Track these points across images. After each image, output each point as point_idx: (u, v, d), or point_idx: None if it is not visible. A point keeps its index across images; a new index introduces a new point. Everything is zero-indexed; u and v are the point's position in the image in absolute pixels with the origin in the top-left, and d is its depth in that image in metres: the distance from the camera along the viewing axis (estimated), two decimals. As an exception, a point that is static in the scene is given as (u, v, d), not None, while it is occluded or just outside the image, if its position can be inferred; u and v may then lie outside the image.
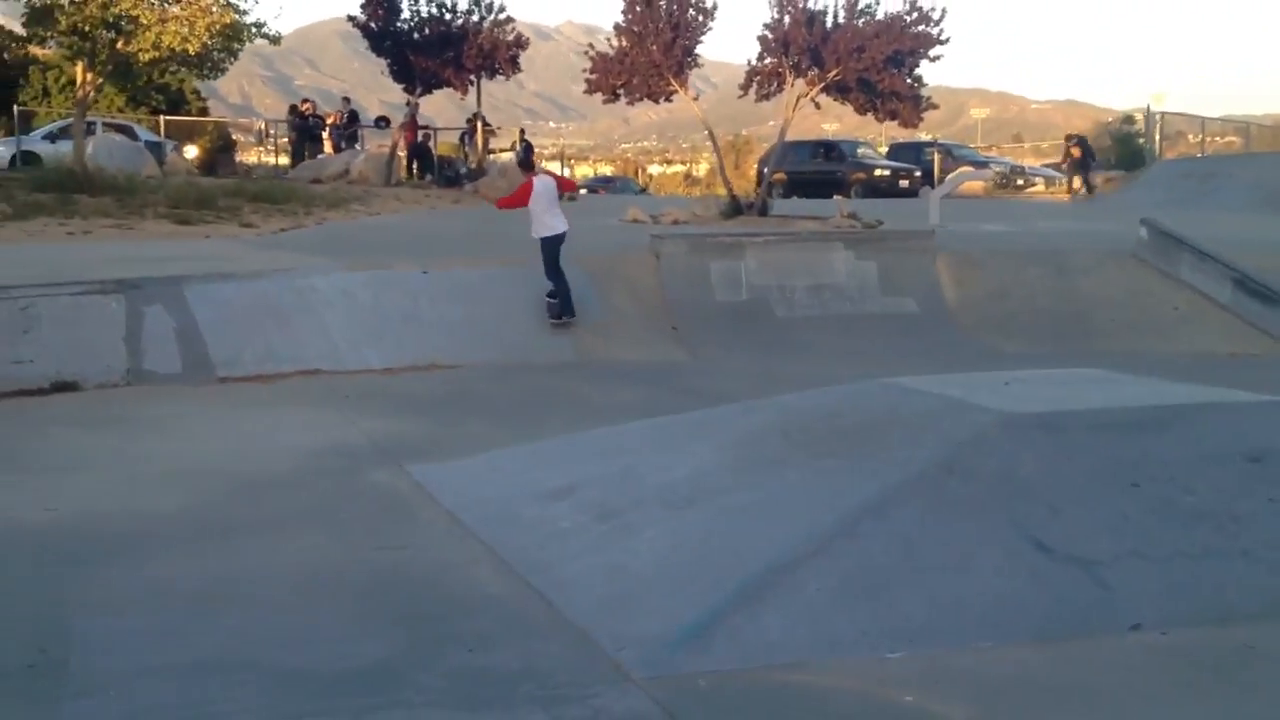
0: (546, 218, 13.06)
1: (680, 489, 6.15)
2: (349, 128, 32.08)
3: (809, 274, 14.64)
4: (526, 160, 16.10)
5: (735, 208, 20.73)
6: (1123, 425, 5.87)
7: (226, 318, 11.66)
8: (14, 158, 27.91)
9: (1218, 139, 39.65)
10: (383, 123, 33.37)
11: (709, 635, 4.63)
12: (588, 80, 22.73)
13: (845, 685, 4.39)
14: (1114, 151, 38.54)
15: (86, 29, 20.29)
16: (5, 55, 39.12)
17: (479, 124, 30.21)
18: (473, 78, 27.92)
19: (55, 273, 11.87)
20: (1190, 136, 40.37)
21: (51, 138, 29.22)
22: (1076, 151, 31.14)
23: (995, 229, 19.19)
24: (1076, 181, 30.67)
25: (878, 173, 32.62)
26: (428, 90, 28.22)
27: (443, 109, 29.35)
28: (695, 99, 22.01)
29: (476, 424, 9.34)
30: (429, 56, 26.81)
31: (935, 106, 21.98)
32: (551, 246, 13.00)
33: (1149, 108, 34.62)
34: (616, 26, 21.84)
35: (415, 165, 30.55)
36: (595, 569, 5.47)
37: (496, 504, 6.71)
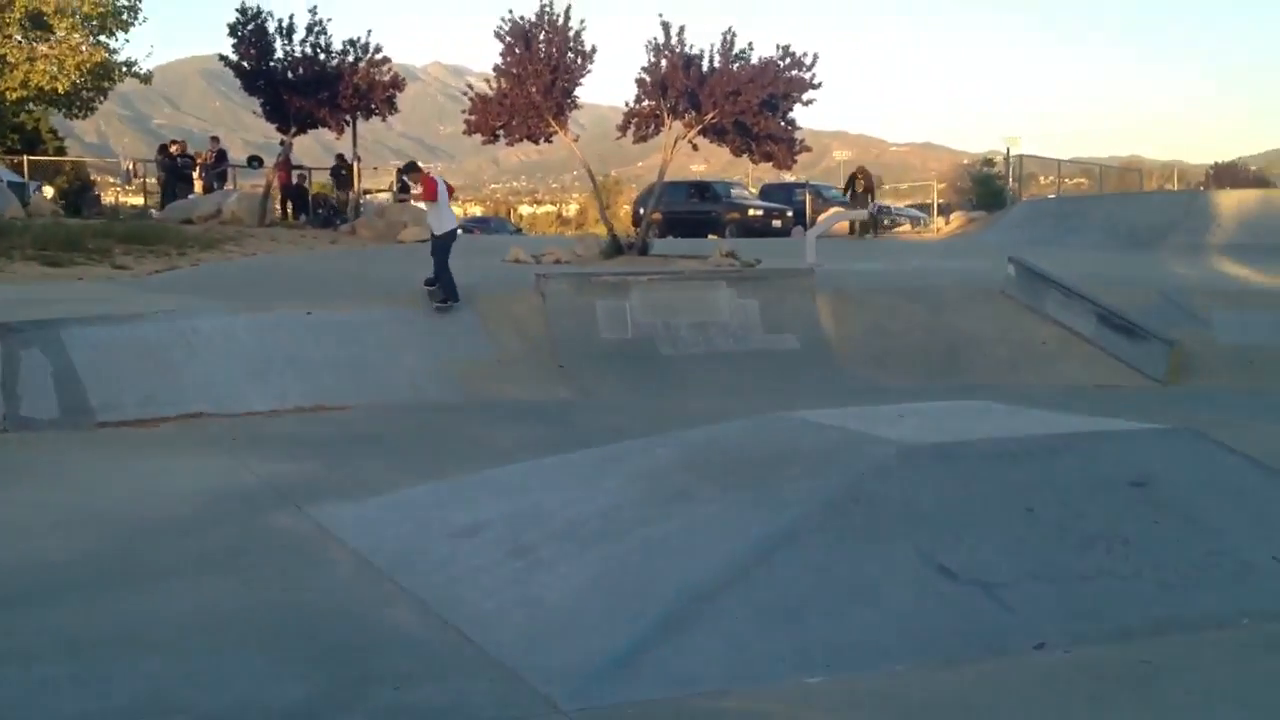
0: (445, 213, 14.69)
1: (591, 523, 6.23)
2: (218, 167, 31.55)
3: (693, 312, 14.87)
4: (413, 165, 16.64)
5: (616, 247, 20.95)
6: (1015, 454, 6.14)
7: (105, 361, 11.38)
8: None
9: (1067, 180, 41.42)
10: (256, 162, 32.86)
11: (634, 665, 4.71)
12: (467, 121, 22.78)
13: (770, 710, 4.51)
14: (974, 192, 39.95)
15: (-51, 66, 19.70)
16: None
17: (356, 164, 29.97)
18: (348, 118, 27.72)
19: (-76, 316, 11.45)
20: (1042, 178, 42.11)
21: (-95, 178, 28.16)
22: (861, 184, 31.99)
23: (869, 267, 19.73)
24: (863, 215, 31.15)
25: (751, 213, 33.23)
26: (302, 130, 27.89)
27: (308, 148, 29.11)
28: (575, 140, 22.21)
29: (370, 465, 9.28)
30: (303, 96, 26.51)
31: (808, 149, 22.53)
32: (447, 241, 14.39)
33: (1008, 150, 35.97)
34: (496, 68, 21.94)
35: (290, 205, 30.16)
36: (513, 605, 5.51)
37: (404, 544, 6.70)
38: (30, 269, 16.74)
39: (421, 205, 17.56)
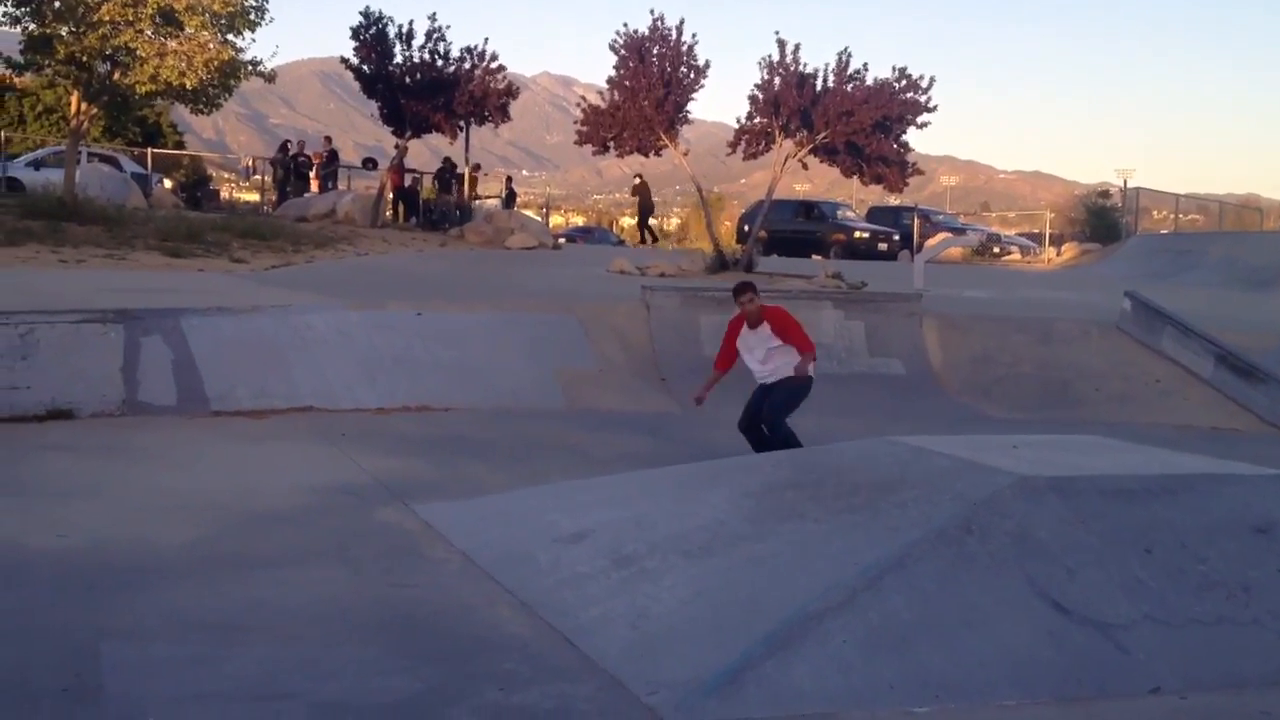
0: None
1: (696, 537, 6.22)
2: (330, 166, 32.23)
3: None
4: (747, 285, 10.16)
5: (721, 263, 20.94)
6: (1134, 492, 5.99)
7: (222, 351, 11.66)
8: (-2, 183, 27.88)
9: (1182, 216, 40.48)
10: (370, 164, 33.51)
11: (739, 682, 4.68)
12: (579, 132, 22.98)
13: (875, 736, 4.45)
14: (1087, 223, 39.21)
15: (84, 59, 20.33)
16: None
17: (469, 171, 30.40)
18: (462, 124, 28.13)
19: (52, 300, 11.85)
20: (1156, 212, 41.18)
21: (35, 165, 29.18)
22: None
23: (978, 295, 19.47)
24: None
25: (858, 235, 33.03)
26: (417, 134, 28.38)
27: (416, 152, 29.67)
28: (685, 154, 22.26)
29: (474, 466, 9.38)
30: (420, 101, 26.97)
31: (921, 172, 22.36)
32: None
33: (1125, 182, 35.28)
34: (609, 80, 22.10)
35: (402, 207, 30.69)
36: (617, 613, 5.51)
37: (509, 546, 6.74)
38: (153, 259, 17.24)
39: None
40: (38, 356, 10.57)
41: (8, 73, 29.02)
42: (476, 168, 30.52)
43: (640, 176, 33.85)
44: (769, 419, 9.75)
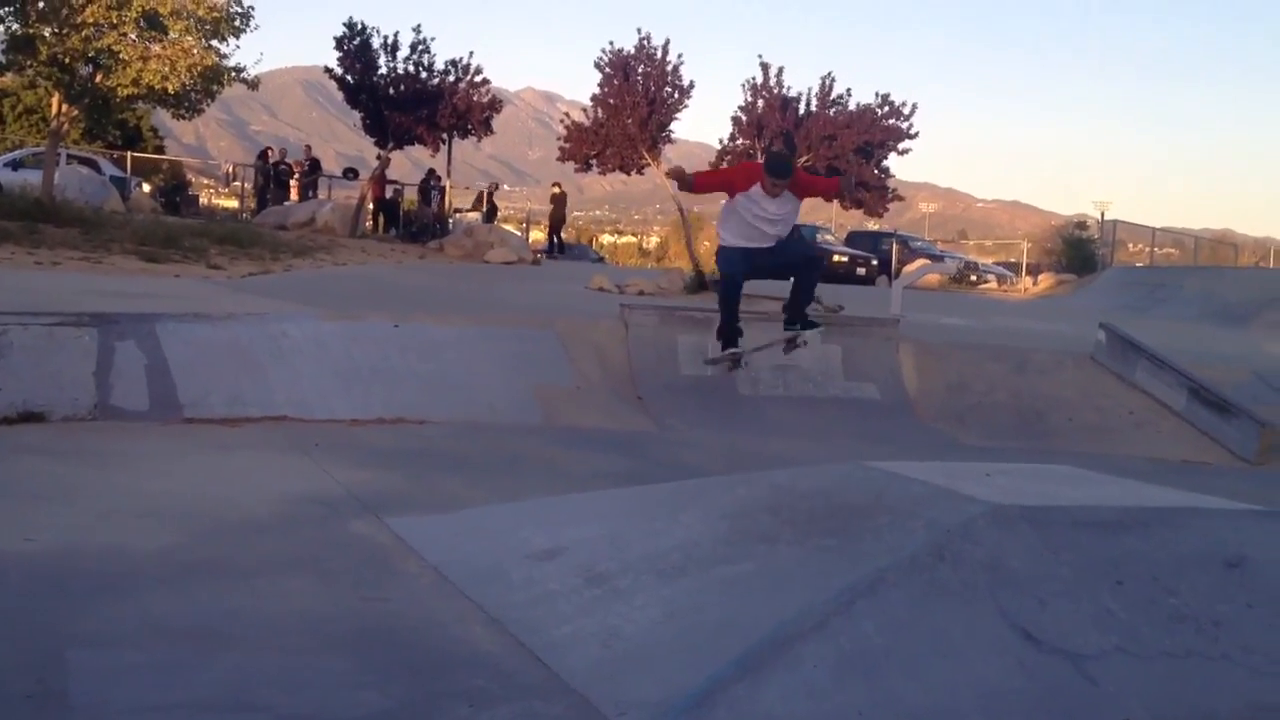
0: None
1: (669, 557, 6.21)
2: (311, 175, 32.18)
3: (774, 353, 14.79)
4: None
5: (700, 283, 21.00)
6: (1107, 523, 6.01)
7: (197, 358, 11.59)
8: (-26, 183, 27.67)
9: (1158, 249, 40.84)
10: (351, 174, 33.47)
11: (709, 705, 4.67)
12: (561, 148, 23.08)
13: (845, 762, 4.45)
14: (1064, 254, 39.51)
15: (66, 61, 20.27)
16: (-40, 81, 38.95)
17: (448, 183, 30.42)
18: (444, 136, 28.16)
19: (27, 301, 11.77)
20: (1132, 245, 41.54)
21: (13, 165, 29.01)
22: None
23: (954, 322, 19.56)
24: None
25: (836, 258, 33.16)
26: (399, 146, 28.42)
27: (397, 163, 29.67)
28: (668, 173, 22.33)
29: (448, 480, 9.35)
30: (403, 112, 27.03)
31: (901, 198, 22.55)
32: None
33: (1102, 214, 35.58)
34: (593, 97, 22.24)
35: (381, 218, 30.67)
36: (589, 632, 5.50)
37: (481, 562, 6.72)
38: (129, 263, 17.15)
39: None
40: (10, 358, 10.48)
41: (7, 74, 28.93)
42: (495, 187, 30.67)
43: (559, 186, 33.98)
44: (796, 252, 10.72)
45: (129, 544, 6.68)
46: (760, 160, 10.66)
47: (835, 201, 22.31)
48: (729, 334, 11.89)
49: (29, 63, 20.87)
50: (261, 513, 7.69)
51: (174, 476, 8.66)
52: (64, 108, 21.42)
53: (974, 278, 34.92)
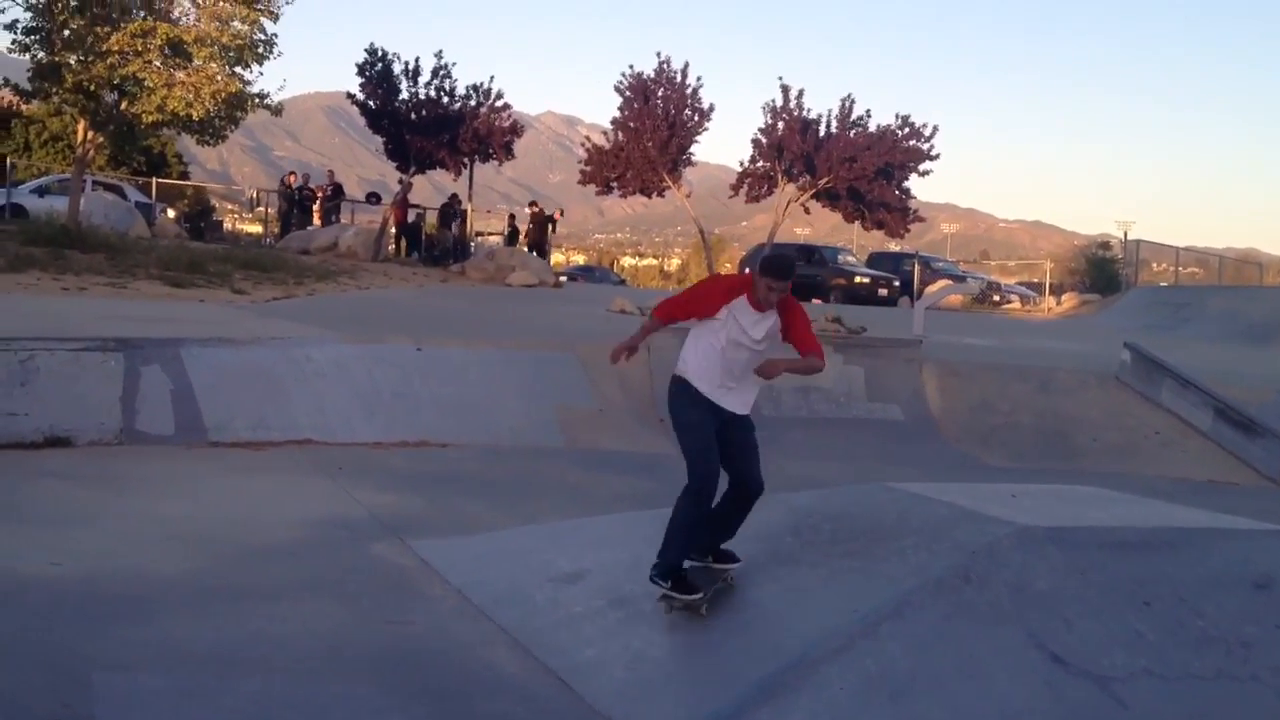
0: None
1: (693, 581, 6.19)
2: (333, 200, 32.38)
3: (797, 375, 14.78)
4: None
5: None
6: (1133, 544, 5.97)
7: (221, 382, 11.64)
8: (1, 209, 27.94)
9: (1182, 269, 40.62)
10: (373, 199, 33.64)
11: (734, 727, 4.66)
12: (582, 171, 23.19)
13: (871, 786, 4.42)
14: (1088, 274, 39.35)
15: (92, 88, 20.46)
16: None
17: (468, 206, 30.53)
18: (466, 160, 28.29)
19: (54, 327, 11.85)
20: (1155, 265, 41.33)
21: (40, 192, 29.28)
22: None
23: (977, 343, 19.48)
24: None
25: (858, 279, 33.04)
26: (421, 170, 28.54)
27: (419, 188, 29.89)
28: (688, 195, 22.38)
29: (471, 504, 9.36)
30: (425, 137, 27.15)
31: (922, 219, 22.54)
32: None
33: (1125, 234, 35.45)
34: (614, 121, 22.32)
35: (404, 242, 30.79)
36: (612, 655, 5.49)
37: (505, 585, 6.72)
38: (154, 288, 17.26)
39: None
40: (37, 383, 10.55)
41: (15, 99, 29.23)
42: (551, 213, 30.57)
43: (536, 205, 33.51)
44: (756, 472, 6.35)
45: (153, 568, 6.70)
46: (748, 270, 7.23)
47: (858, 222, 22.31)
48: (687, 560, 6.21)
49: (55, 90, 21.07)
50: (285, 536, 7.71)
51: (199, 500, 8.69)
52: (89, 134, 21.62)
53: (997, 298, 34.83)
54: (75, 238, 19.73)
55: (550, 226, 32.69)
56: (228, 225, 40.12)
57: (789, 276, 6.34)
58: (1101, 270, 39.13)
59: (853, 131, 21.18)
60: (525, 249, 30.11)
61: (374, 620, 6.07)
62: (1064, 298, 36.13)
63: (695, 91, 21.89)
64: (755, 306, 6.29)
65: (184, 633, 5.64)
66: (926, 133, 20.95)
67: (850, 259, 36.80)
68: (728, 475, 6.23)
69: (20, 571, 6.46)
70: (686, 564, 6.05)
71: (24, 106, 34.70)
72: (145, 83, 20.42)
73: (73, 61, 20.50)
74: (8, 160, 32.82)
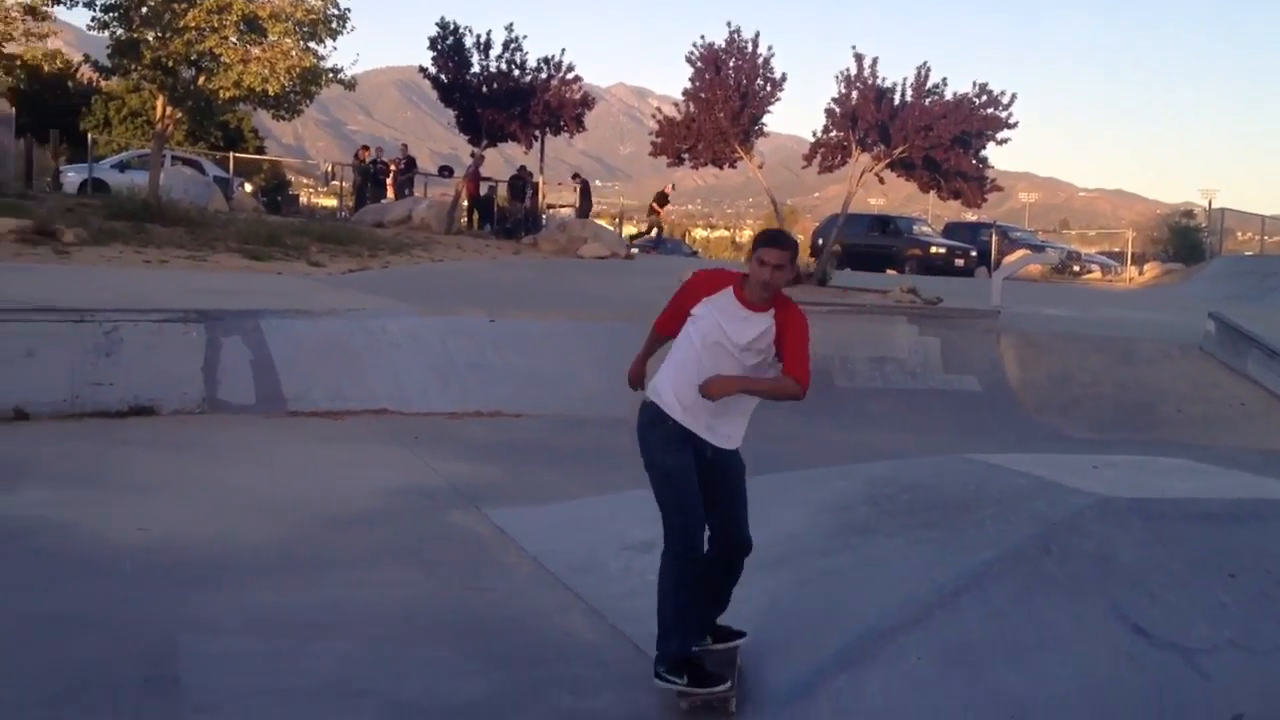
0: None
1: (769, 549, 6.16)
2: (406, 174, 32.62)
3: (871, 346, 14.68)
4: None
5: (794, 276, 20.82)
6: (1218, 515, 5.86)
7: (299, 353, 11.80)
8: (84, 184, 28.50)
9: (1268, 238, 39.65)
10: (446, 172, 33.83)
11: (810, 696, 4.66)
12: (653, 143, 23.04)
13: (949, 756, 4.39)
14: (1170, 243, 38.57)
15: (169, 64, 20.77)
16: (70, 84, 40.02)
17: (540, 178, 30.61)
18: (537, 133, 28.33)
19: (137, 299, 12.09)
20: (1240, 234, 40.39)
21: (121, 167, 29.82)
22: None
23: (1057, 313, 19.17)
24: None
25: (934, 250, 32.65)
26: (492, 143, 28.64)
27: (492, 161, 30.04)
28: (760, 166, 22.21)
29: (546, 473, 9.42)
30: (496, 110, 27.22)
31: (1000, 188, 22.12)
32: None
33: (1209, 203, 34.65)
34: (685, 92, 22.14)
35: (476, 215, 30.96)
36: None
37: (581, 553, 6.76)
38: (233, 261, 17.53)
39: None
40: (122, 354, 10.77)
41: (95, 76, 29.77)
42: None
43: (577, 176, 33.98)
44: (743, 526, 5.21)
45: (237, 534, 6.83)
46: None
47: (933, 192, 21.95)
48: (697, 646, 5.00)
49: (133, 66, 21.43)
50: (364, 504, 7.82)
51: (279, 469, 8.84)
52: (168, 110, 21.96)
53: (1077, 268, 34.24)
54: (156, 212, 20.08)
55: (589, 195, 33.52)
56: (303, 199, 40.64)
57: (784, 246, 5.06)
58: (1185, 239, 38.33)
59: (928, 100, 20.82)
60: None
61: (452, 587, 6.14)
62: (1146, 267, 35.47)
63: (767, 61, 21.65)
64: (745, 303, 4.99)
65: (267, 598, 5.74)
66: (1005, 100, 20.57)
67: (926, 229, 36.35)
68: (708, 529, 5.05)
69: (109, 538, 6.62)
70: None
71: (104, 83, 35.26)
72: (221, 58, 20.71)
73: (150, 38, 20.82)
74: (89, 136, 33.47)
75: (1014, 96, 20.50)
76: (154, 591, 5.72)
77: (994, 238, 32.98)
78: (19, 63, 22.60)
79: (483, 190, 31.61)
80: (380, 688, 4.64)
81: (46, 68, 31.04)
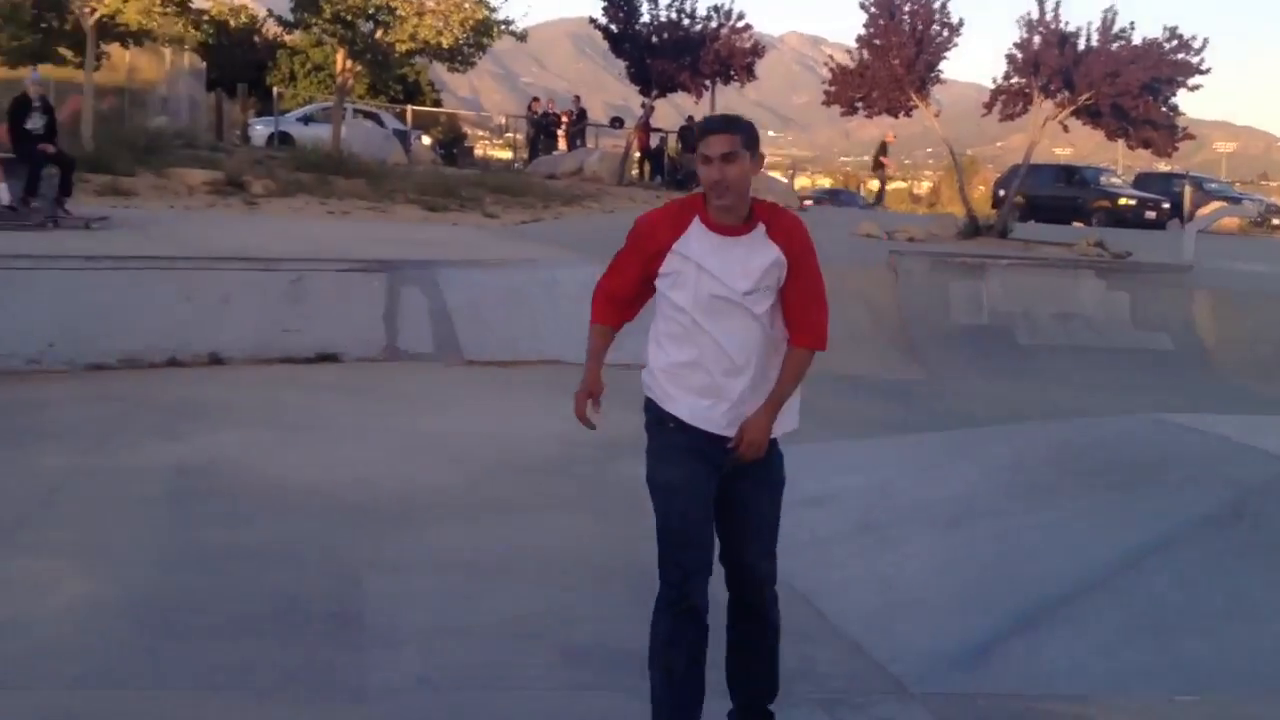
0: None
1: (943, 508, 6.07)
2: (578, 125, 32.86)
3: (1055, 301, 14.24)
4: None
5: (974, 228, 20.29)
6: None
7: (475, 303, 12.04)
8: (271, 137, 29.55)
9: None
10: (617, 123, 33.99)
11: (986, 657, 4.57)
12: (826, 92, 22.63)
13: (1133, 724, 4.27)
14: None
15: (348, 18, 21.32)
16: (256, 39, 41.34)
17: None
18: (707, 83, 28.17)
19: (322, 249, 12.51)
20: None
21: (305, 120, 30.79)
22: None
23: (1256, 269, 18.21)
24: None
25: (1122, 201, 31.26)
26: (663, 93, 28.60)
27: (663, 112, 30.06)
28: (937, 115, 21.64)
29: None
30: (666, 60, 27.15)
31: (1191, 137, 21.07)
32: None
33: None
34: (858, 39, 21.66)
35: (647, 166, 31.03)
36: (860, 579, 5.46)
37: (751, 506, 6.74)
38: (411, 212, 17.98)
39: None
40: (307, 302, 11.17)
41: (279, 31, 30.74)
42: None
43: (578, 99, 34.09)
44: (754, 547, 4.15)
45: (418, 479, 7.04)
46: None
47: (1122, 141, 21.06)
48: None
49: (314, 21, 22.11)
50: (538, 452, 7.95)
51: (457, 416, 9.06)
52: (348, 64, 22.59)
53: (1277, 221, 32.47)
54: (338, 164, 20.72)
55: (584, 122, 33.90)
56: (478, 151, 41.30)
57: (730, 129, 3.64)
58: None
59: (1115, 45, 19.92)
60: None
61: (624, 535, 6.19)
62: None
63: (944, 5, 21.00)
64: (720, 228, 3.73)
65: (446, 540, 5.91)
66: (1196, 45, 19.56)
67: (1114, 180, 34.85)
68: (722, 565, 3.97)
69: (299, 479, 6.89)
70: None
71: (287, 37, 36.37)
72: (397, 12, 21.15)
73: (330, -7, 21.41)
74: (275, 90, 34.62)
75: (1205, 41, 19.45)
76: (339, 532, 5.94)
77: (1187, 189, 31.45)
78: (207, 18, 23.41)
79: (654, 142, 31.60)
80: (554, 631, 4.74)
81: (233, 23, 32.07)
